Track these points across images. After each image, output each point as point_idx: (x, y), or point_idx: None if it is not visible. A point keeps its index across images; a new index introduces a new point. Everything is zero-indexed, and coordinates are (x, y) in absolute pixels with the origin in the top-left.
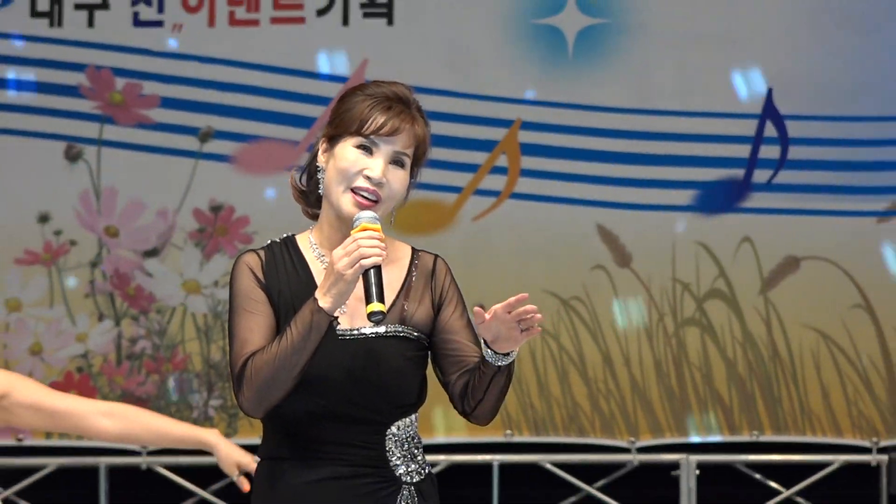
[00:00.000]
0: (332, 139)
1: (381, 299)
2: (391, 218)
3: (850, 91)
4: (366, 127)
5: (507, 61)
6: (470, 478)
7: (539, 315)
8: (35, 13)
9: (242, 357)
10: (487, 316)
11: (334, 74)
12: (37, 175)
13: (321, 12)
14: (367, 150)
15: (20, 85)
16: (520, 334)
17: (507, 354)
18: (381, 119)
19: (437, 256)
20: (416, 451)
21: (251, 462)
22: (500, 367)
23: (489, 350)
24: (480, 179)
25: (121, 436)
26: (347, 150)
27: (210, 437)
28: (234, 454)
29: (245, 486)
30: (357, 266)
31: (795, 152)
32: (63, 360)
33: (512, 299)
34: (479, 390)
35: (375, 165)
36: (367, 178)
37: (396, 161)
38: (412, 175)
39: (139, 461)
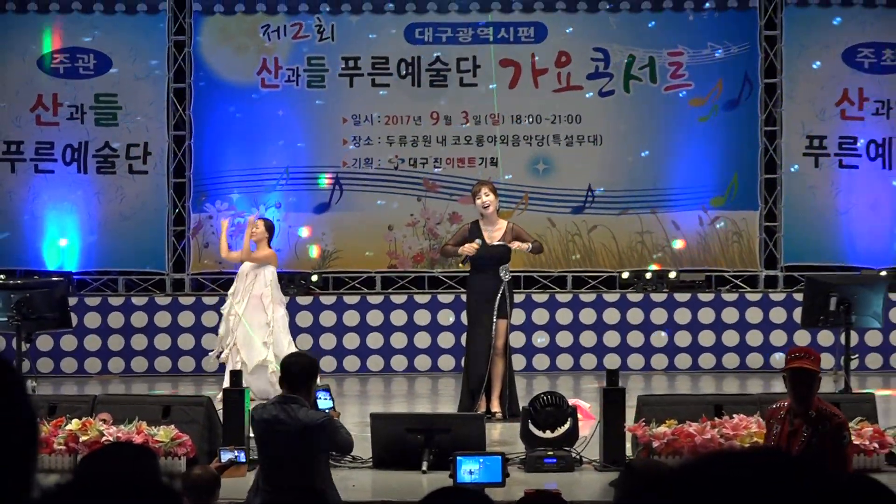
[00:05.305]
0: (474, 199)
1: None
2: (497, 211)
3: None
4: (475, 191)
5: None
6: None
7: (524, 245)
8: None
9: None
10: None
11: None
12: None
13: (492, 162)
14: (477, 195)
15: None
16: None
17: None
18: (477, 188)
19: (512, 223)
20: (507, 273)
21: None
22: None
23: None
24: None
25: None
26: (476, 200)
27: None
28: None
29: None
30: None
31: None
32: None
33: (514, 245)
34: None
35: (482, 198)
36: (481, 202)
37: (486, 195)
38: (497, 198)
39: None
